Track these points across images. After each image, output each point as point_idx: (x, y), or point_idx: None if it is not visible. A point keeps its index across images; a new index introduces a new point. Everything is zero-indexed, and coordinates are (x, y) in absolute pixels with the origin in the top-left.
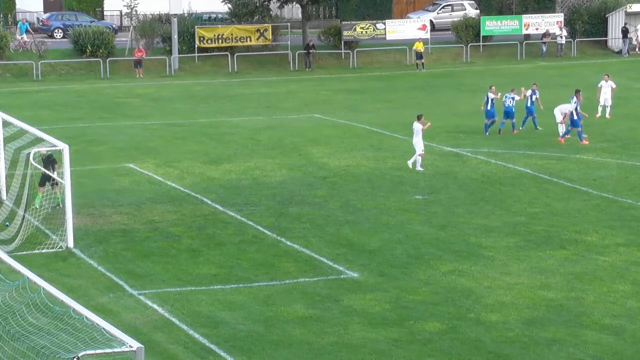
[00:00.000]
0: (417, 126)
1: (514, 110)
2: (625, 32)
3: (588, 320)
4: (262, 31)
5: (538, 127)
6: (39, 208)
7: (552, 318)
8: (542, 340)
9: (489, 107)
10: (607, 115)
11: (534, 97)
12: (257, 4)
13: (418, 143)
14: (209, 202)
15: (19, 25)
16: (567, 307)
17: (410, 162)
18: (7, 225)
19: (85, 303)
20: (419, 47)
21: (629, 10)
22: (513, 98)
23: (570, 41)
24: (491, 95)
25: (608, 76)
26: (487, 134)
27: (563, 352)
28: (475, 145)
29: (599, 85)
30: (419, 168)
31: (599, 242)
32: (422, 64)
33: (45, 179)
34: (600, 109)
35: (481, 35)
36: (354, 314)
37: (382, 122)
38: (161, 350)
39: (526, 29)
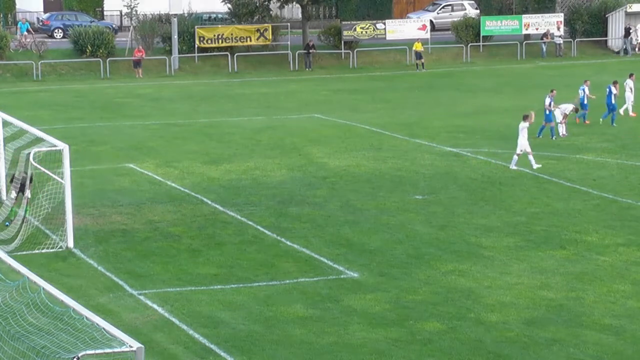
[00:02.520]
0: (523, 125)
1: (586, 101)
2: (627, 31)
3: (588, 320)
4: (262, 31)
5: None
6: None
7: (552, 318)
8: (542, 340)
9: (547, 112)
10: (632, 113)
11: (613, 93)
12: (257, 4)
13: (523, 143)
14: (209, 202)
15: (19, 25)
16: (567, 307)
17: (512, 165)
18: (7, 225)
19: (85, 303)
20: (418, 47)
21: (629, 10)
22: (584, 89)
23: (570, 41)
24: (582, 93)
25: (633, 75)
26: (539, 136)
27: (563, 352)
28: (475, 145)
29: (625, 83)
30: (535, 165)
31: (599, 242)
32: (422, 64)
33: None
34: (630, 107)
35: (481, 35)
36: (354, 314)
37: (382, 122)
38: (161, 350)
39: (526, 29)
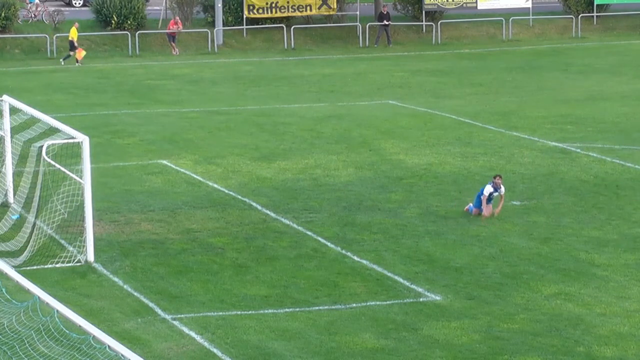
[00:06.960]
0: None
1: None
2: None
3: None
4: None
5: None
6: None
7: None
8: None
9: None
10: None
11: None
12: None
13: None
14: (259, 208)
15: None
16: None
17: None
18: (15, 219)
19: (108, 329)
20: None
21: None
22: None
23: None
24: None
25: None
26: None
27: None
28: (587, 140)
29: None
30: None
31: None
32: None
33: None
34: None
35: (595, 3)
36: (436, 345)
37: (472, 110)
38: None
39: None
